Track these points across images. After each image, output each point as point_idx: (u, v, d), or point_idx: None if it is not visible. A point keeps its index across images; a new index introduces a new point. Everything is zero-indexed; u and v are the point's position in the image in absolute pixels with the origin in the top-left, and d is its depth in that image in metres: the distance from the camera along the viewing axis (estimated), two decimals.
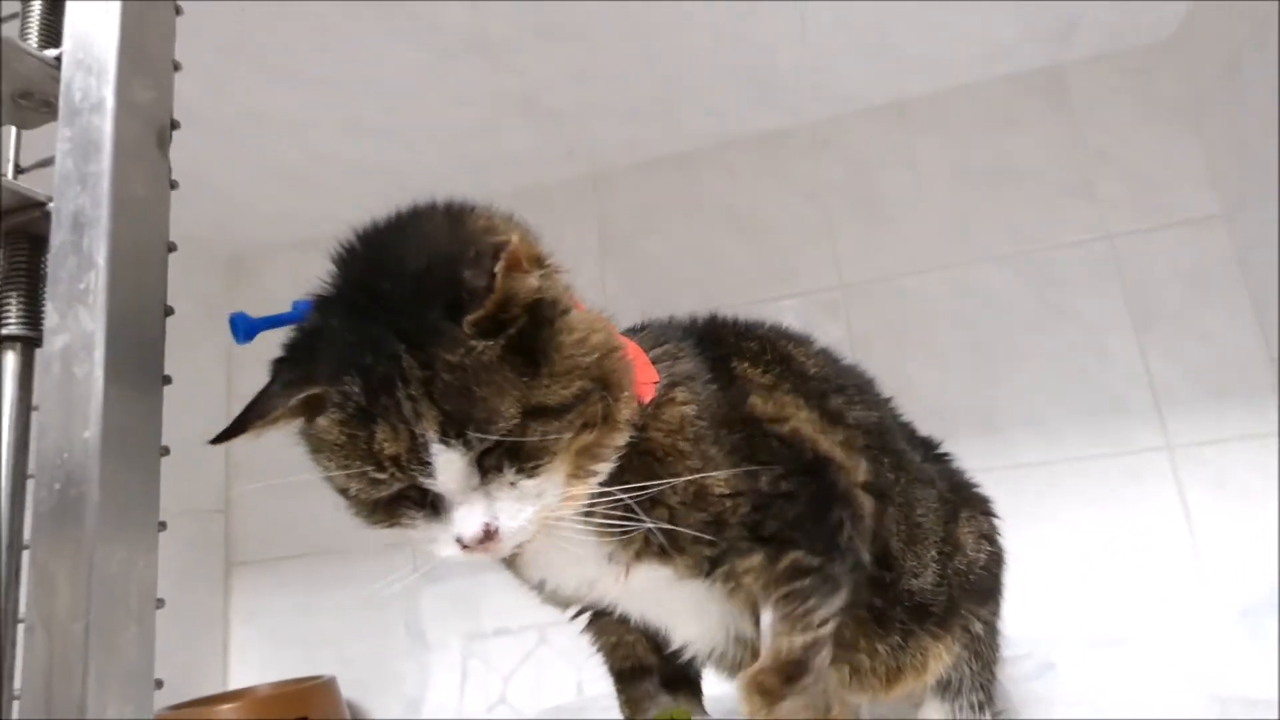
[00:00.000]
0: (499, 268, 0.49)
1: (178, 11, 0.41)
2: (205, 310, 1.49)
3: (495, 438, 0.49)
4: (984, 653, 0.72)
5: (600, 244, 1.39)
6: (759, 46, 1.10)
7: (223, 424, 1.66)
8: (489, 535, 0.51)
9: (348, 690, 1.32)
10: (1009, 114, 1.25)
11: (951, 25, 1.11)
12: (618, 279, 1.38)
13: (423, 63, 1.04)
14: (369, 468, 0.50)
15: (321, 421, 0.52)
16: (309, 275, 1.66)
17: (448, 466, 0.50)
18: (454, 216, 0.58)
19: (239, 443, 0.56)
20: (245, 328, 0.62)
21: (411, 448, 0.49)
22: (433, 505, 0.52)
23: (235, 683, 1.37)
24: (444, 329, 0.50)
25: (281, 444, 1.64)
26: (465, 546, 0.52)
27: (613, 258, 1.39)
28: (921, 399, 1.19)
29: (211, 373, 1.48)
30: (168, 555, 1.47)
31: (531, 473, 0.52)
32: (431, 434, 0.49)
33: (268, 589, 1.42)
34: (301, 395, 0.52)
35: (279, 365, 0.56)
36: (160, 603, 0.39)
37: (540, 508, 0.52)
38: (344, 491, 0.55)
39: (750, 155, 1.35)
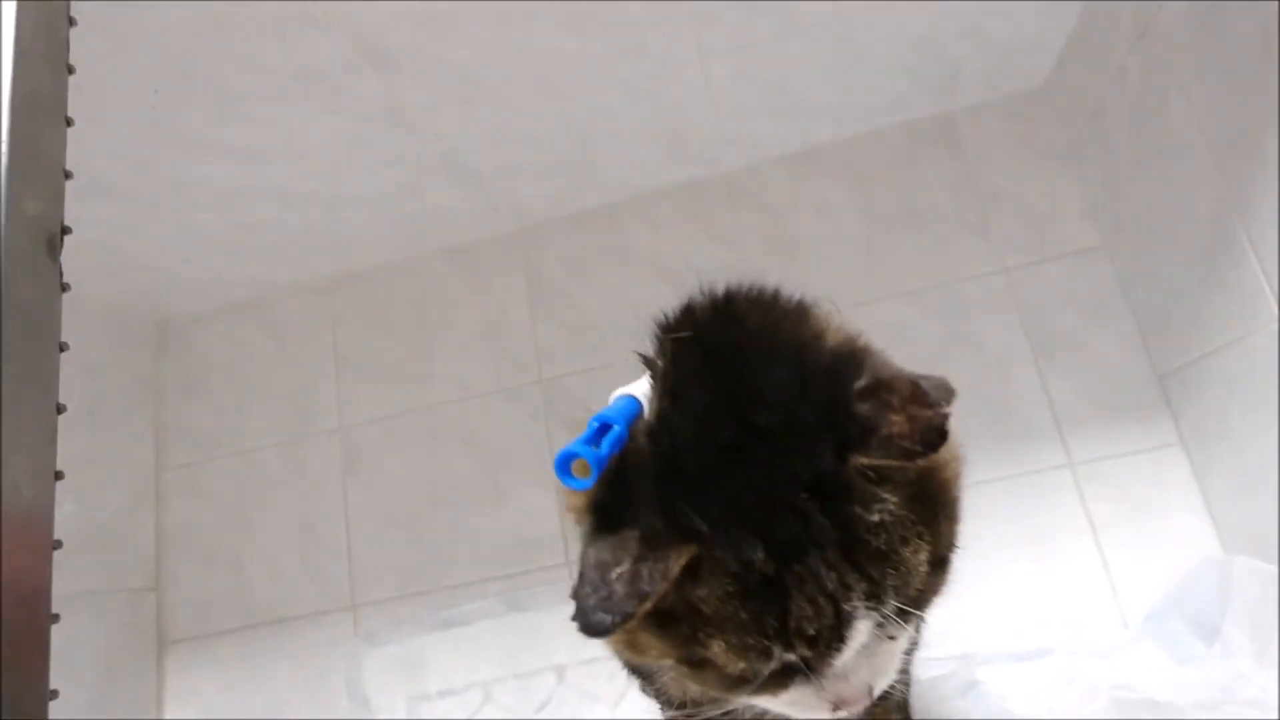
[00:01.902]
0: (903, 402, 0.43)
1: (69, 123, 0.43)
2: (134, 380, 1.47)
3: (911, 605, 0.44)
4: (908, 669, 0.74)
5: (530, 295, 1.42)
6: (668, 102, 1.16)
7: (151, 497, 1.66)
8: (868, 695, 0.46)
9: None
10: (909, 159, 1.33)
11: (846, 77, 1.18)
12: (548, 329, 1.40)
13: (345, 130, 1.07)
14: (775, 645, 0.42)
15: (700, 591, 0.43)
16: (240, 339, 1.66)
17: (857, 636, 0.44)
18: (802, 314, 0.52)
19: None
20: (594, 462, 0.45)
21: (834, 624, 0.42)
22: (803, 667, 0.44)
23: None
24: (851, 480, 0.43)
25: (213, 514, 1.61)
26: (839, 706, 0.46)
27: (542, 309, 1.41)
28: None
29: (139, 444, 1.45)
30: (97, 637, 1.42)
31: (911, 625, 0.47)
32: (859, 607, 0.42)
33: (203, 666, 1.38)
34: (683, 562, 0.42)
35: (610, 510, 0.45)
36: (54, 694, 0.40)
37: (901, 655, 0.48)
38: (702, 664, 0.45)
39: (671, 205, 1.40)
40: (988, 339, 1.22)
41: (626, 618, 0.41)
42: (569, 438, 1.53)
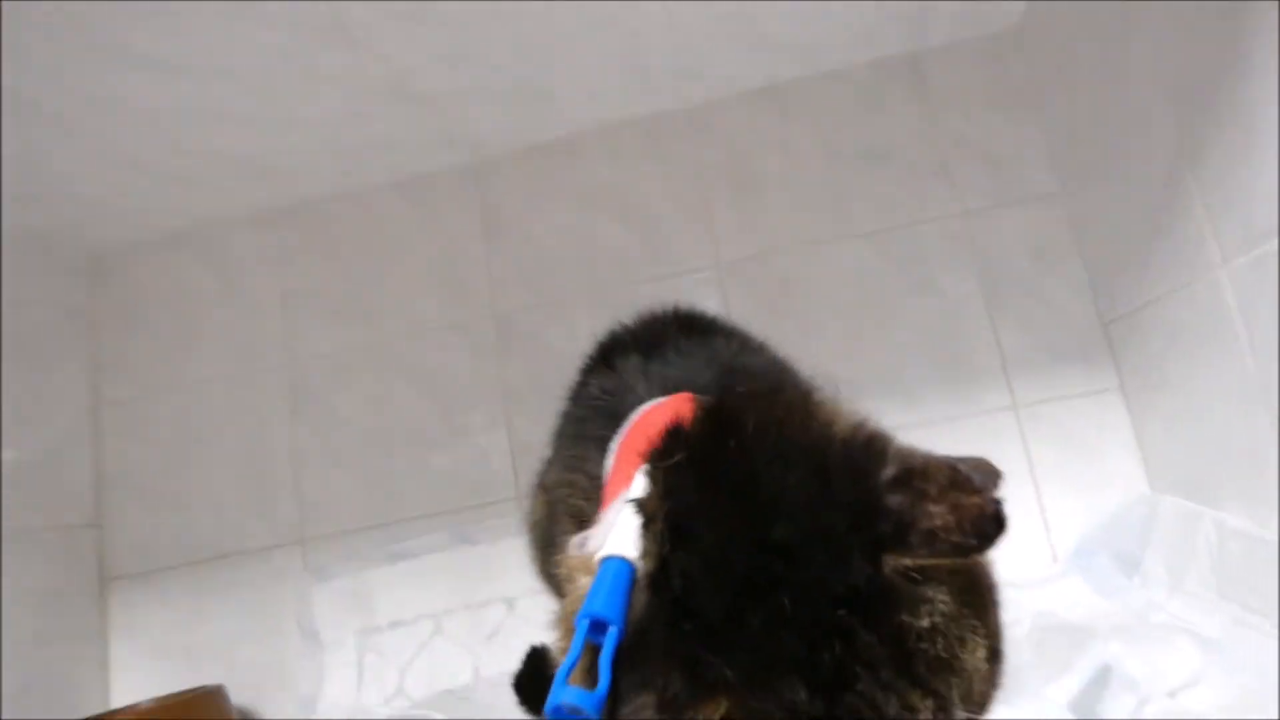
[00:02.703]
0: (941, 491, 0.38)
1: None
2: (67, 314, 1.41)
3: (978, 712, 0.39)
4: None
5: (484, 229, 1.39)
6: (627, 29, 1.12)
7: (88, 433, 1.62)
8: None
9: (239, 696, 1.28)
10: (874, 98, 1.32)
11: (813, 12, 1.16)
12: (503, 263, 1.37)
13: (279, 47, 1.01)
14: None
15: None
16: (181, 271, 1.60)
17: None
18: (805, 405, 0.47)
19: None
20: (595, 704, 0.38)
21: None
22: None
23: (118, 702, 1.31)
24: (893, 585, 0.38)
25: (155, 451, 1.58)
26: None
27: (497, 242, 1.38)
28: (799, 366, 1.25)
29: (75, 380, 1.40)
30: (37, 573, 1.40)
31: None
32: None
33: (149, 601, 1.36)
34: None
35: (629, 671, 0.38)
36: None
37: None
38: None
39: (632, 139, 1.37)
40: (943, 283, 1.23)
41: None
42: (524, 374, 1.51)
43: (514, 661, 1.01)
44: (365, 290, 1.40)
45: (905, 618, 0.37)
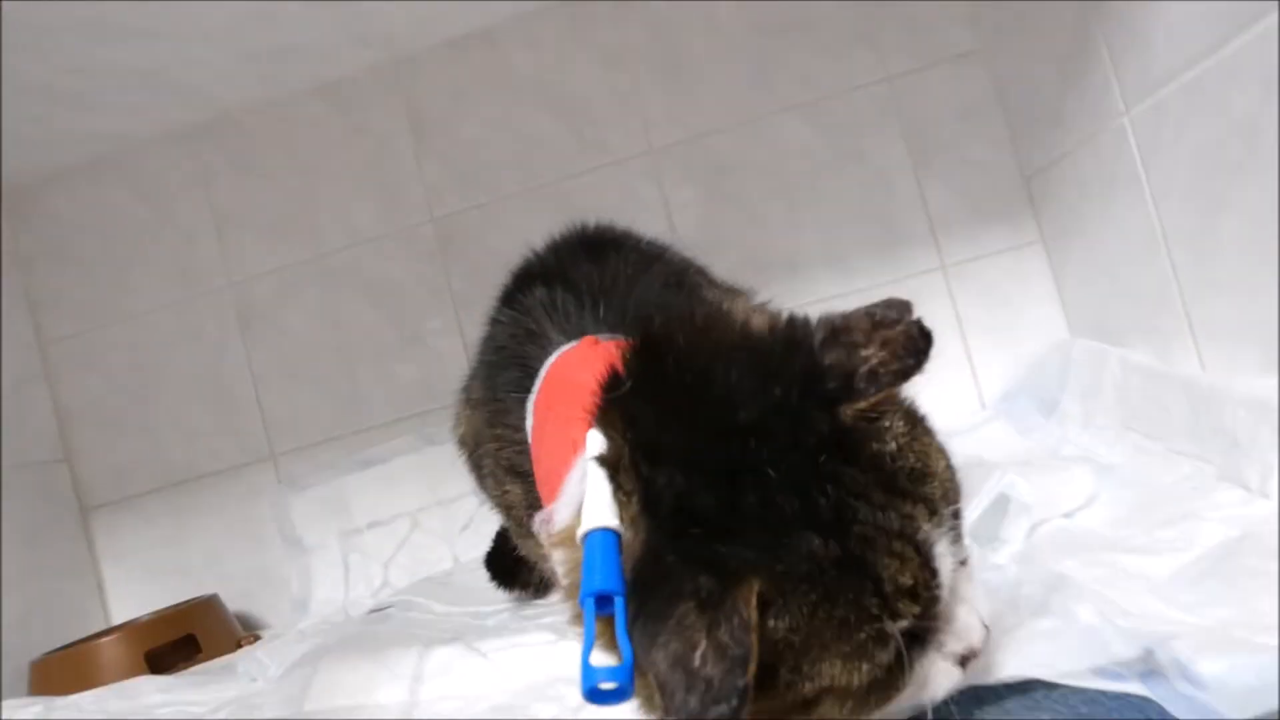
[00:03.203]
0: (867, 335, 0.42)
1: None
2: None
3: (959, 515, 0.43)
4: None
5: (413, 132, 1.37)
6: None
7: (40, 370, 1.63)
8: (985, 630, 0.44)
9: (234, 604, 1.36)
10: None
11: None
12: (435, 166, 1.36)
13: None
14: (885, 619, 0.39)
15: (783, 622, 0.39)
16: (105, 199, 1.57)
17: (944, 565, 0.41)
18: (721, 314, 0.50)
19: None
20: (624, 674, 0.39)
21: (920, 561, 0.40)
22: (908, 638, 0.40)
23: (119, 621, 1.38)
24: (856, 427, 0.41)
25: (111, 382, 1.58)
26: (969, 657, 0.43)
27: (427, 145, 1.36)
28: (737, 248, 1.28)
29: (14, 319, 1.39)
30: (15, 511, 1.43)
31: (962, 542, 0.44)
32: (929, 531, 0.40)
33: (132, 526, 1.41)
34: (753, 600, 0.38)
35: (642, 604, 0.39)
36: None
37: None
38: (818, 702, 0.40)
39: (553, 26, 1.33)
40: (871, 151, 1.25)
41: (742, 695, 0.35)
42: (469, 277, 1.52)
43: (487, 547, 1.08)
44: (299, 203, 1.39)
45: (875, 445, 0.41)
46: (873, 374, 0.42)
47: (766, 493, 0.40)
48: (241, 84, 1.32)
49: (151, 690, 0.97)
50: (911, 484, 0.41)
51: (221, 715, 0.81)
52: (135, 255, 1.42)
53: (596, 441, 0.46)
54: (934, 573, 0.40)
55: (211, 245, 1.41)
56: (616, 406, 0.46)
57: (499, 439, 0.65)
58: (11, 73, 1.10)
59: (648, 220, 1.30)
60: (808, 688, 0.39)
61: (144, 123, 1.35)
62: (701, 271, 0.80)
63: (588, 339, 0.61)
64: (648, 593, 0.39)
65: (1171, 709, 0.42)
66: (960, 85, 1.23)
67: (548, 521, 0.50)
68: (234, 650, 1.21)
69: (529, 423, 0.61)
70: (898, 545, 0.40)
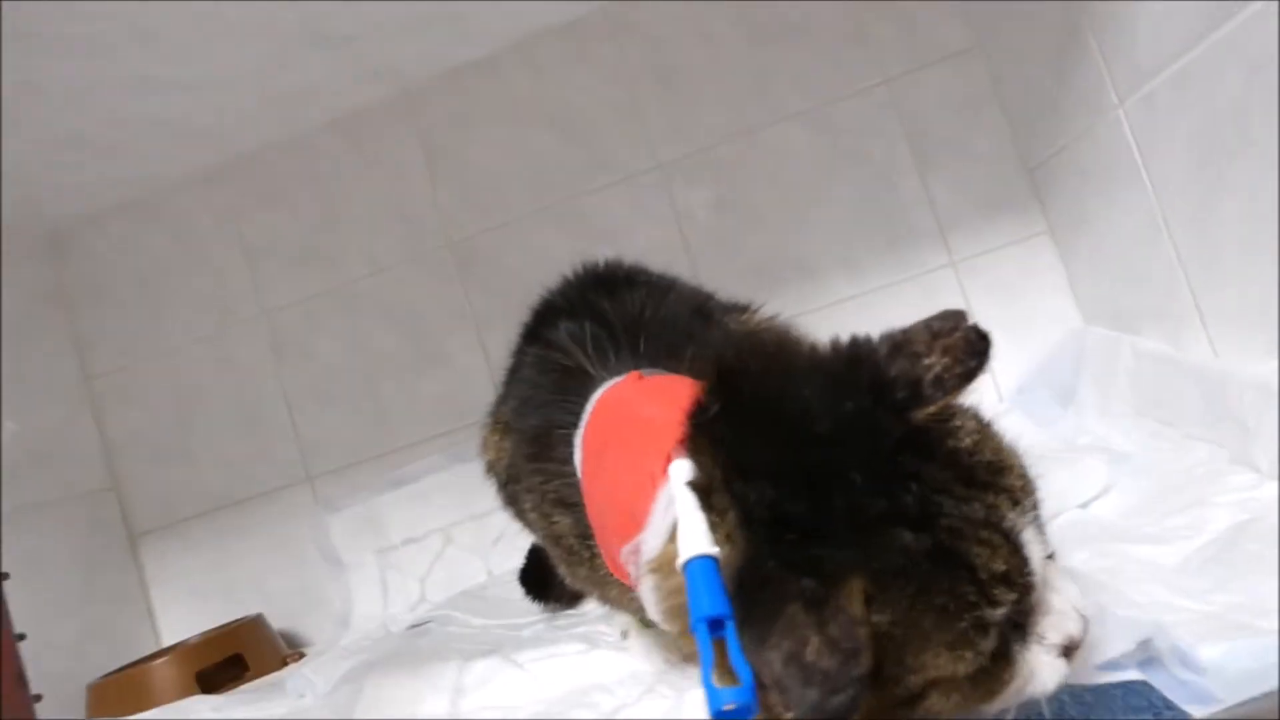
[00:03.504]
0: (927, 345, 0.46)
1: None
2: (38, 296, 1.45)
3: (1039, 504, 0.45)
4: None
5: (425, 160, 1.41)
6: None
7: (87, 405, 1.69)
8: (1083, 618, 0.45)
9: (279, 623, 1.41)
10: None
11: None
12: (449, 192, 1.40)
13: (189, 8, 1.01)
14: (983, 606, 0.40)
15: (885, 615, 0.40)
16: (139, 240, 1.62)
17: (1034, 553, 0.43)
18: (785, 340, 0.53)
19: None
20: (746, 697, 0.40)
21: (1010, 548, 0.42)
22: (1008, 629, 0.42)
23: (169, 643, 1.43)
24: (929, 430, 0.44)
25: (153, 414, 1.64)
26: (1072, 648, 0.44)
27: (440, 171, 1.40)
28: (749, 256, 1.31)
29: (61, 356, 1.45)
30: (68, 540, 1.49)
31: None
32: (1015, 520, 0.42)
33: (178, 551, 1.46)
34: (858, 596, 0.40)
35: (750, 611, 0.41)
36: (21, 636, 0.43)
37: None
38: (924, 695, 0.42)
39: (552, 48, 1.36)
40: (873, 152, 1.27)
41: (859, 684, 0.37)
42: (488, 297, 1.55)
43: (519, 559, 1.11)
44: (322, 235, 1.43)
45: (951, 443, 0.44)
46: (938, 380, 0.45)
47: (853, 496, 0.42)
48: (263, 125, 1.37)
49: (204, 709, 1.02)
50: (991, 476, 0.43)
51: None
52: (171, 291, 1.48)
53: (683, 469, 0.48)
54: (1025, 560, 0.42)
55: (242, 278, 1.46)
56: (704, 434, 0.48)
57: (544, 473, 0.66)
58: (51, 126, 1.16)
59: (659, 233, 1.33)
60: (914, 681, 0.41)
61: (175, 166, 1.41)
62: (711, 297, 0.83)
63: (633, 374, 0.63)
64: (753, 599, 0.41)
65: (1169, 695, 0.44)
66: (958, 82, 1.24)
67: (635, 552, 0.51)
68: (280, 668, 1.26)
69: (578, 456, 0.62)
70: (985, 534, 0.41)
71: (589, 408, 0.63)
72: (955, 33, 1.24)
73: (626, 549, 0.52)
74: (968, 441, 0.44)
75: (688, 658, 0.70)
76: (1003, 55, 1.18)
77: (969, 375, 0.45)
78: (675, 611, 0.48)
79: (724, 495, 0.46)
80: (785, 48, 1.29)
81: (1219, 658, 0.43)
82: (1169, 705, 0.43)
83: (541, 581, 1.01)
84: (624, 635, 0.76)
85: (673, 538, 0.48)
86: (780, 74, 1.30)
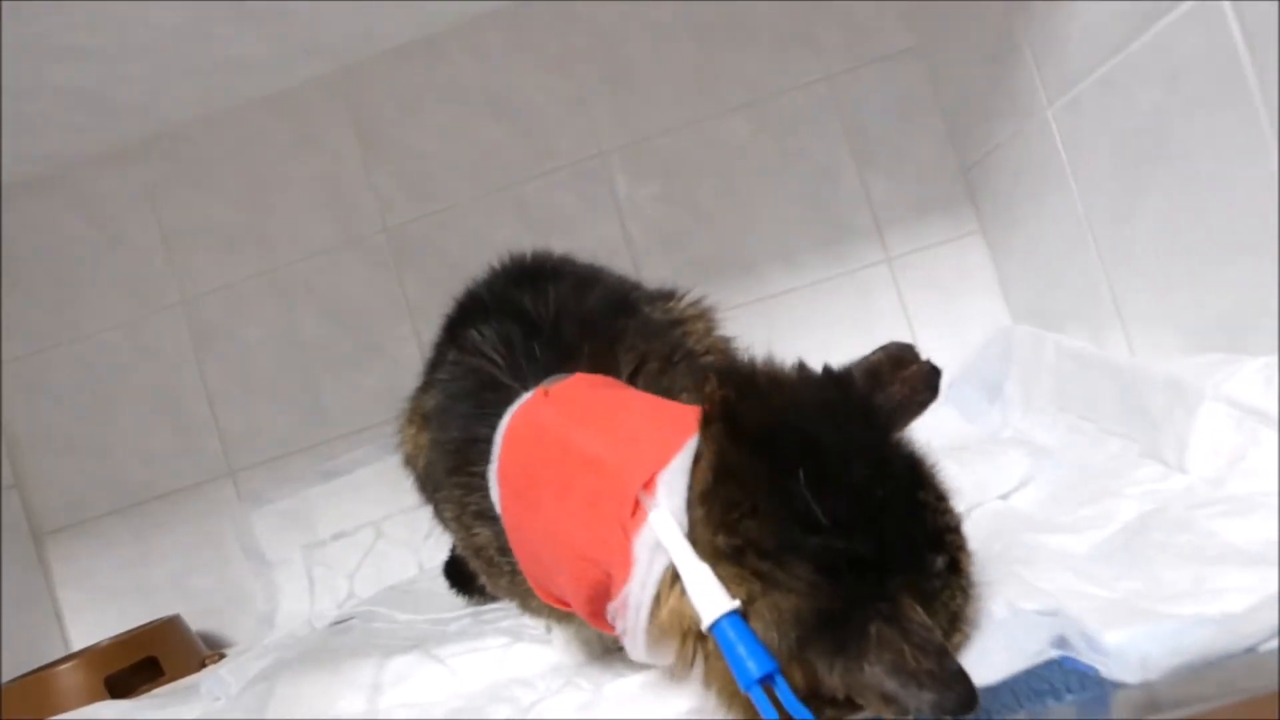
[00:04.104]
0: (890, 376, 0.52)
1: None
2: None
3: None
4: None
5: (361, 142, 1.37)
6: None
7: None
8: None
9: (199, 623, 1.35)
10: None
11: None
12: (386, 176, 1.36)
13: None
14: (972, 599, 0.51)
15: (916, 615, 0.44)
16: (50, 220, 1.54)
17: None
18: (774, 375, 0.54)
19: None
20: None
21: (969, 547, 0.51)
22: None
23: (79, 647, 1.37)
24: (908, 450, 0.51)
25: (62, 405, 1.56)
26: None
27: (377, 154, 1.37)
28: (689, 248, 1.30)
29: None
30: None
31: None
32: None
33: (90, 550, 1.40)
34: (911, 600, 0.44)
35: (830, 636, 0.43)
36: None
37: None
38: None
39: (496, 33, 1.34)
40: (814, 148, 1.28)
41: (964, 676, 0.41)
42: (424, 286, 1.51)
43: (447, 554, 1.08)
44: (249, 218, 1.38)
45: (924, 462, 0.51)
46: (902, 407, 0.52)
47: (894, 525, 0.46)
48: (184, 99, 1.31)
49: (111, 714, 0.97)
50: (948, 494, 0.51)
51: None
52: (84, 274, 1.40)
53: (664, 519, 0.47)
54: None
55: (162, 262, 1.40)
56: (709, 485, 0.48)
57: (464, 486, 0.64)
58: None
59: (601, 222, 1.32)
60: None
61: (88, 141, 1.34)
62: (637, 287, 0.81)
63: (539, 392, 0.60)
64: (832, 633, 0.43)
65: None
66: (898, 82, 1.26)
67: (624, 605, 0.49)
68: (199, 670, 1.21)
69: (494, 491, 0.60)
70: (966, 551, 0.50)
71: (500, 432, 0.60)
72: (897, 33, 1.25)
73: (613, 605, 0.50)
74: (929, 461, 0.51)
75: (608, 650, 0.69)
76: (942, 56, 1.20)
77: (925, 405, 0.53)
78: (716, 676, 0.48)
79: (738, 559, 0.46)
80: (729, 42, 1.29)
81: (1122, 641, 0.44)
82: (1069, 688, 0.43)
83: (466, 576, 0.99)
84: (548, 628, 0.75)
85: (668, 589, 0.48)
86: (723, 68, 1.30)
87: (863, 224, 1.26)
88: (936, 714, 0.40)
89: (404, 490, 1.32)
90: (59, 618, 1.39)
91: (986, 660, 0.48)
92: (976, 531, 0.71)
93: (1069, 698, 0.43)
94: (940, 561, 0.47)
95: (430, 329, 1.33)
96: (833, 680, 0.43)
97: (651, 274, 0.87)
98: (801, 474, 0.45)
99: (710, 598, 0.45)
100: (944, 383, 1.22)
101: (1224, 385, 0.64)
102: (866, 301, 1.26)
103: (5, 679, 1.19)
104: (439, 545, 1.27)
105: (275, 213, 1.38)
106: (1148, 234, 0.82)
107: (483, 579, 0.73)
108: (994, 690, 0.45)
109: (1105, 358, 0.89)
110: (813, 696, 0.44)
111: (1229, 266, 0.71)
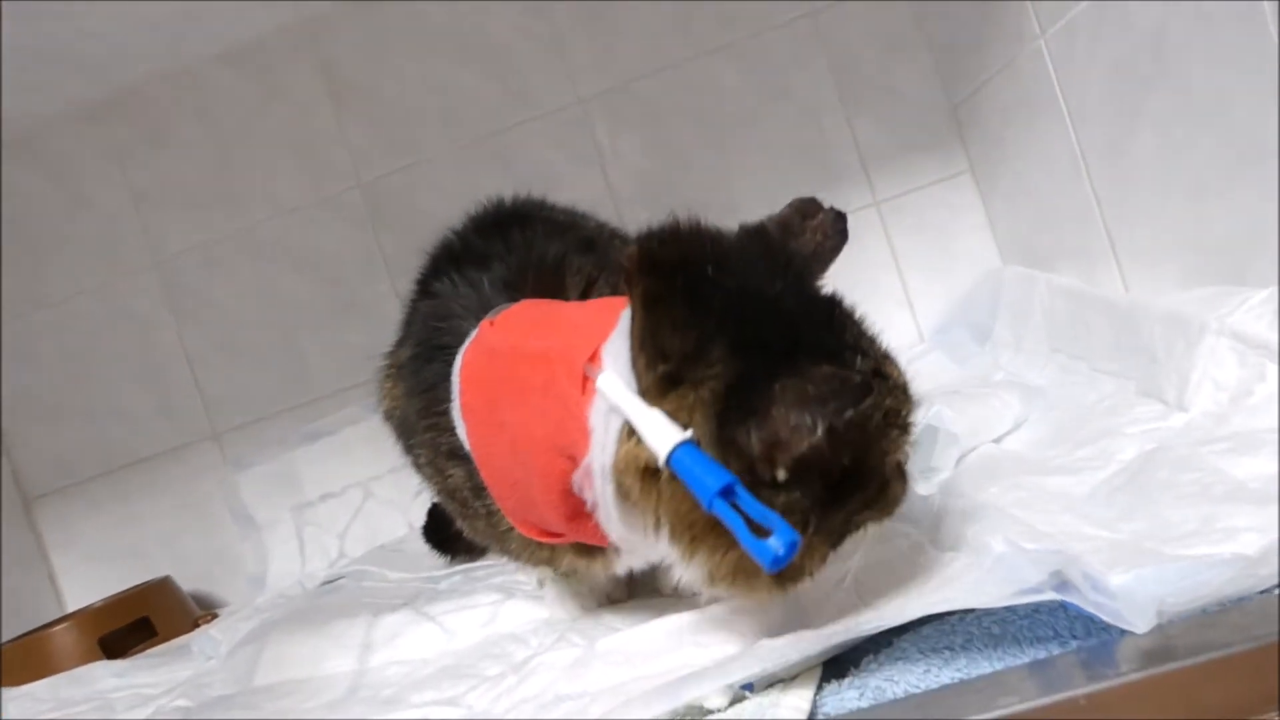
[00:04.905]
0: (801, 226, 0.54)
1: None
2: None
3: None
4: None
5: (330, 94, 1.32)
6: None
7: None
8: None
9: (190, 584, 1.35)
10: None
11: None
12: (358, 129, 1.32)
13: None
14: (913, 414, 0.51)
15: (868, 413, 0.47)
16: (14, 182, 1.48)
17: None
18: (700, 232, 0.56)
19: None
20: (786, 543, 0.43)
21: (901, 368, 0.52)
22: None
23: (74, 608, 1.36)
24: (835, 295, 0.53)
25: (42, 370, 1.53)
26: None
27: (348, 107, 1.32)
28: (674, 194, 1.27)
29: None
30: None
31: None
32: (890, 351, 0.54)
33: (79, 513, 1.39)
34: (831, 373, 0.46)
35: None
36: None
37: None
38: (895, 471, 0.52)
39: None
40: (799, 88, 1.24)
41: (860, 395, 0.45)
42: (401, 241, 1.48)
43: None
44: (218, 175, 1.34)
45: (852, 309, 0.52)
46: (816, 254, 0.54)
47: (816, 334, 0.48)
48: (146, 55, 1.25)
49: (105, 675, 0.97)
50: (873, 330, 0.53)
51: (175, 695, 0.81)
52: (52, 238, 1.36)
53: (611, 380, 0.49)
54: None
55: (131, 223, 1.35)
56: (643, 330, 0.49)
57: (435, 428, 0.65)
58: None
59: (583, 172, 1.28)
60: (888, 463, 0.50)
61: (48, 101, 1.29)
62: (616, 234, 0.80)
63: (484, 324, 0.61)
64: (743, 401, 0.45)
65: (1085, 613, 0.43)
66: (883, 17, 1.21)
67: (588, 474, 0.51)
68: (191, 630, 1.20)
69: (460, 429, 0.60)
70: (892, 363, 0.51)
71: (456, 369, 0.61)
72: None
73: (578, 474, 0.51)
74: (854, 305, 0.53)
75: (601, 605, 0.68)
76: None
77: (837, 250, 0.55)
78: (664, 503, 0.49)
79: (677, 382, 0.48)
80: None
81: (1128, 583, 0.43)
82: (1074, 634, 0.42)
83: (446, 537, 0.99)
84: (540, 584, 0.74)
85: (624, 443, 0.49)
86: (705, 7, 1.24)
87: (850, 166, 1.23)
88: (838, 416, 0.43)
89: (390, 450, 1.29)
90: (53, 579, 1.39)
91: (981, 589, 0.46)
92: (971, 475, 0.71)
93: (1074, 644, 0.42)
94: (861, 361, 0.48)
95: (407, 285, 1.31)
96: (753, 446, 0.44)
97: (635, 222, 0.84)
98: (714, 275, 0.49)
99: (661, 434, 0.46)
100: (933, 326, 1.22)
101: (1226, 319, 0.63)
102: (855, 246, 1.18)
103: (1, 641, 1.18)
104: (428, 504, 1.26)
105: (246, 171, 1.34)
106: (1144, 164, 0.80)
107: (461, 524, 0.73)
108: (995, 638, 0.44)
109: (1099, 295, 0.88)
110: (756, 485, 0.45)
111: (1228, 195, 0.69)
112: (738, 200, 1.26)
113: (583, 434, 0.50)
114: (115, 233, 1.35)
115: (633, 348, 0.50)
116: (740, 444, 0.45)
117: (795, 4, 1.22)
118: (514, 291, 0.65)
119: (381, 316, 1.31)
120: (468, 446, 0.60)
